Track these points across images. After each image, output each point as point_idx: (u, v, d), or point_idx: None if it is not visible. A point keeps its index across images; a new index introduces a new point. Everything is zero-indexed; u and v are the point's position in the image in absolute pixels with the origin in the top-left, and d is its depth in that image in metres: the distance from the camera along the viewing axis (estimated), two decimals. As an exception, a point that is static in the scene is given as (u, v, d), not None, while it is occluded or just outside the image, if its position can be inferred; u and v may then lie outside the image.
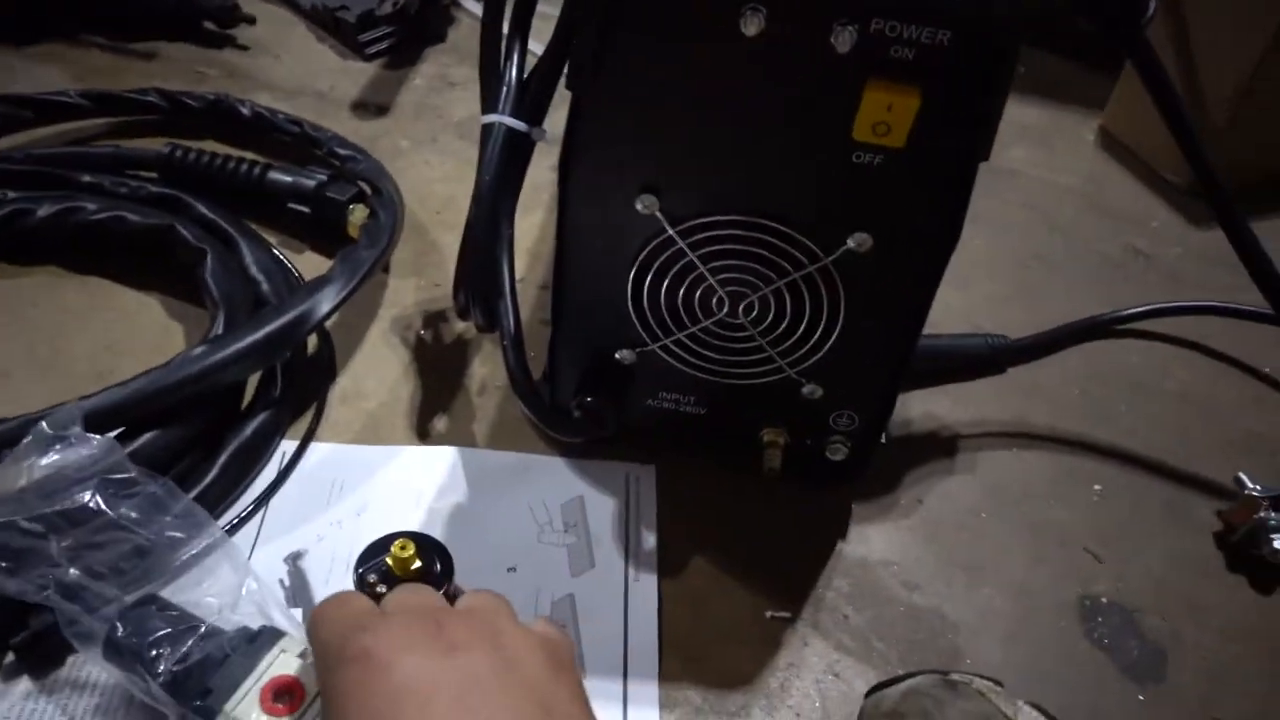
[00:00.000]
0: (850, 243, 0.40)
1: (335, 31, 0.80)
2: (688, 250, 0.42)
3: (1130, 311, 0.63)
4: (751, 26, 0.35)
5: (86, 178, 0.60)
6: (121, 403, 0.44)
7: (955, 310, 0.63)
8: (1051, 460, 0.56)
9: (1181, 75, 0.74)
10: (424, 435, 0.53)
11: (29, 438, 0.40)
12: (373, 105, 0.75)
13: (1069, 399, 0.59)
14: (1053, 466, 0.55)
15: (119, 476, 0.39)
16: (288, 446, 0.51)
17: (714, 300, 0.44)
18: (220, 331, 0.51)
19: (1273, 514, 0.50)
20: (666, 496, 0.50)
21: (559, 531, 0.49)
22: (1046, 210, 0.73)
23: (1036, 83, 0.85)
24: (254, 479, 0.49)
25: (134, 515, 0.38)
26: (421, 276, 0.61)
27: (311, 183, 0.61)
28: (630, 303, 0.45)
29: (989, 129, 0.37)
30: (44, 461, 0.38)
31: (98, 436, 0.40)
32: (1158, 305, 0.64)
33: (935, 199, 0.39)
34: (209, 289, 0.53)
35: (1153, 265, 0.69)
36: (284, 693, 0.38)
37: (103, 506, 0.38)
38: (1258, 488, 0.51)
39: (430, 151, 0.71)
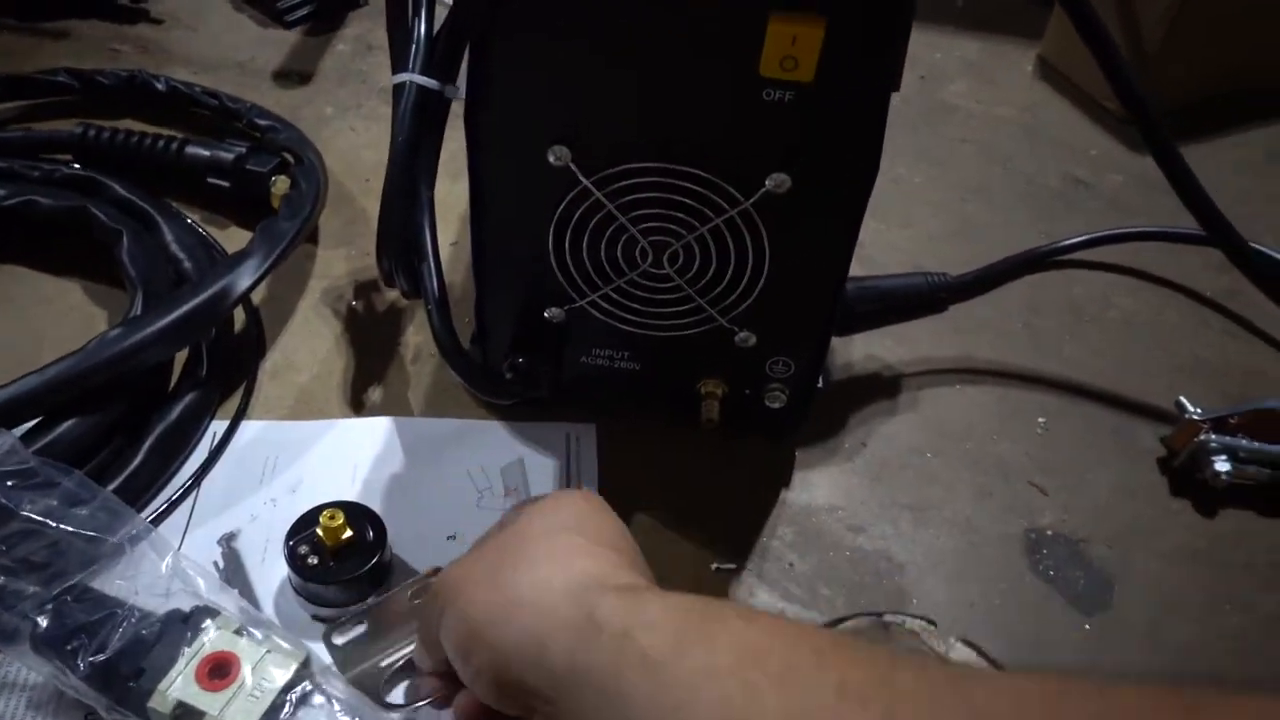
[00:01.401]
0: (768, 184, 0.39)
1: (253, 1, 0.77)
2: (605, 201, 0.41)
3: (1070, 242, 0.63)
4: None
5: (-3, 163, 0.58)
6: (34, 391, 0.43)
7: (898, 248, 0.63)
8: (996, 395, 0.55)
9: (1117, 5, 0.73)
10: (358, 407, 0.52)
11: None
12: (295, 74, 0.73)
13: (1012, 333, 0.59)
14: (997, 402, 0.55)
15: (19, 468, 0.38)
16: (218, 427, 0.50)
17: (637, 251, 0.43)
18: (139, 312, 0.49)
19: (1213, 437, 0.50)
20: (608, 455, 0.50)
21: (499, 496, 0.48)
22: (987, 143, 0.73)
23: (975, 16, 0.84)
24: (184, 461, 0.48)
25: (41, 510, 0.37)
26: (351, 245, 0.60)
27: (230, 155, 0.59)
28: (553, 259, 0.44)
29: (897, 58, 0.36)
30: (-63, 457, 0.37)
31: (-2, 431, 0.39)
32: (1097, 234, 0.63)
33: (850, 134, 0.38)
34: (126, 270, 0.52)
35: (1093, 193, 0.69)
36: (220, 668, 0.37)
37: (3, 502, 0.37)
38: (1198, 411, 0.51)
39: (356, 118, 0.69)
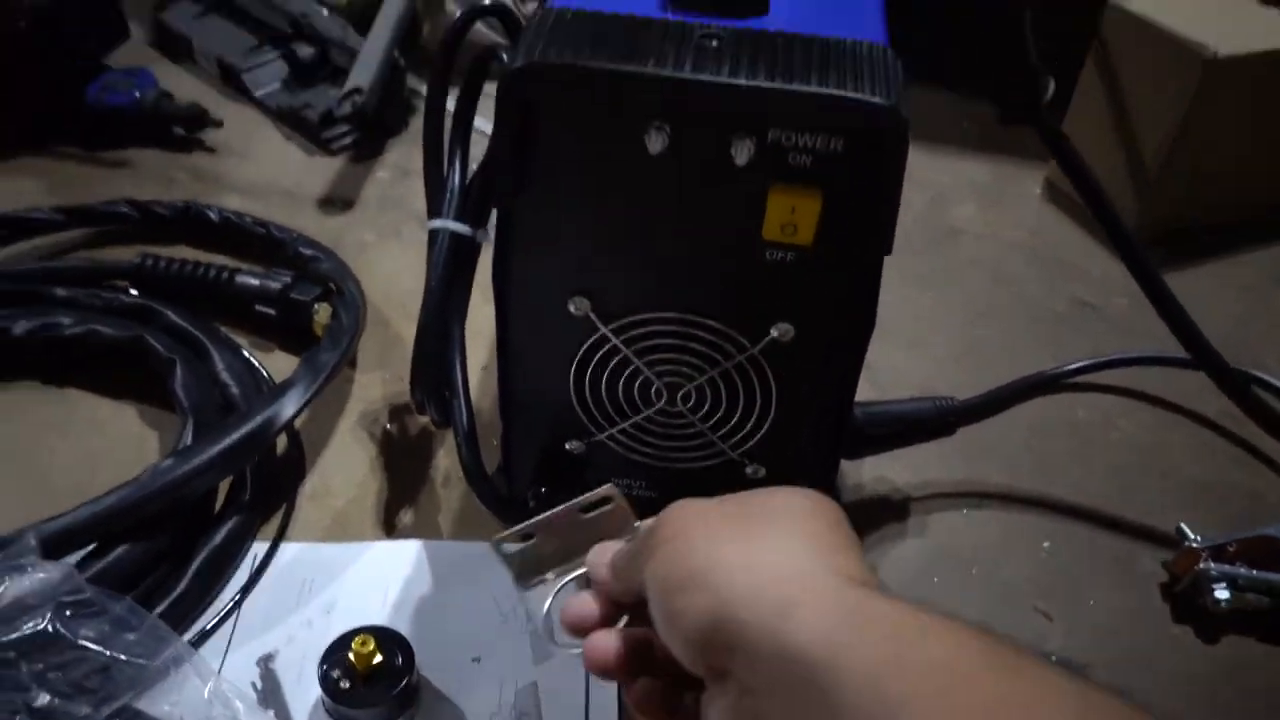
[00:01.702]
0: (773, 333, 0.42)
1: (301, 129, 0.83)
2: (622, 347, 0.44)
3: (1074, 366, 0.65)
4: (656, 144, 0.37)
5: (61, 292, 0.63)
6: (90, 521, 0.46)
7: (906, 372, 0.65)
8: (1001, 519, 0.57)
9: (1116, 129, 0.77)
10: (390, 529, 0.54)
11: (-9, 568, 0.42)
12: (339, 200, 0.77)
13: (1018, 456, 0.61)
14: (1002, 525, 0.57)
15: (76, 599, 0.41)
16: (259, 549, 0.52)
17: (652, 391, 0.46)
18: (189, 442, 0.52)
19: (1212, 565, 0.51)
20: (626, 577, 0.52)
21: (521, 619, 0.50)
22: (995, 266, 0.76)
23: (984, 140, 0.87)
24: (226, 583, 0.51)
25: (95, 636, 0.40)
26: (387, 370, 0.63)
27: (277, 285, 0.63)
28: (574, 397, 0.47)
29: (888, 224, 0.39)
30: (1, 590, 0.40)
31: (54, 563, 0.42)
32: (1101, 359, 0.65)
33: (847, 291, 0.41)
34: (179, 399, 0.55)
35: (1099, 316, 0.71)
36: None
37: (61, 630, 0.40)
38: (1198, 539, 0.53)
39: (395, 244, 0.73)
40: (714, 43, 0.37)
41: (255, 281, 0.64)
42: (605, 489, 0.39)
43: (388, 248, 0.73)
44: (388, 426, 0.60)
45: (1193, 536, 0.53)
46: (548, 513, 0.40)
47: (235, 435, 0.50)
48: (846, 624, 0.26)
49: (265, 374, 0.61)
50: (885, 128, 0.36)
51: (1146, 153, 0.75)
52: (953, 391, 0.63)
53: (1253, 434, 0.62)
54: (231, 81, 0.87)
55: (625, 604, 0.36)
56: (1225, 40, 0.70)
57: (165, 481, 0.48)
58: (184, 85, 0.88)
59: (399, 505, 0.55)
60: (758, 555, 0.29)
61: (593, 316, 0.43)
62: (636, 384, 0.46)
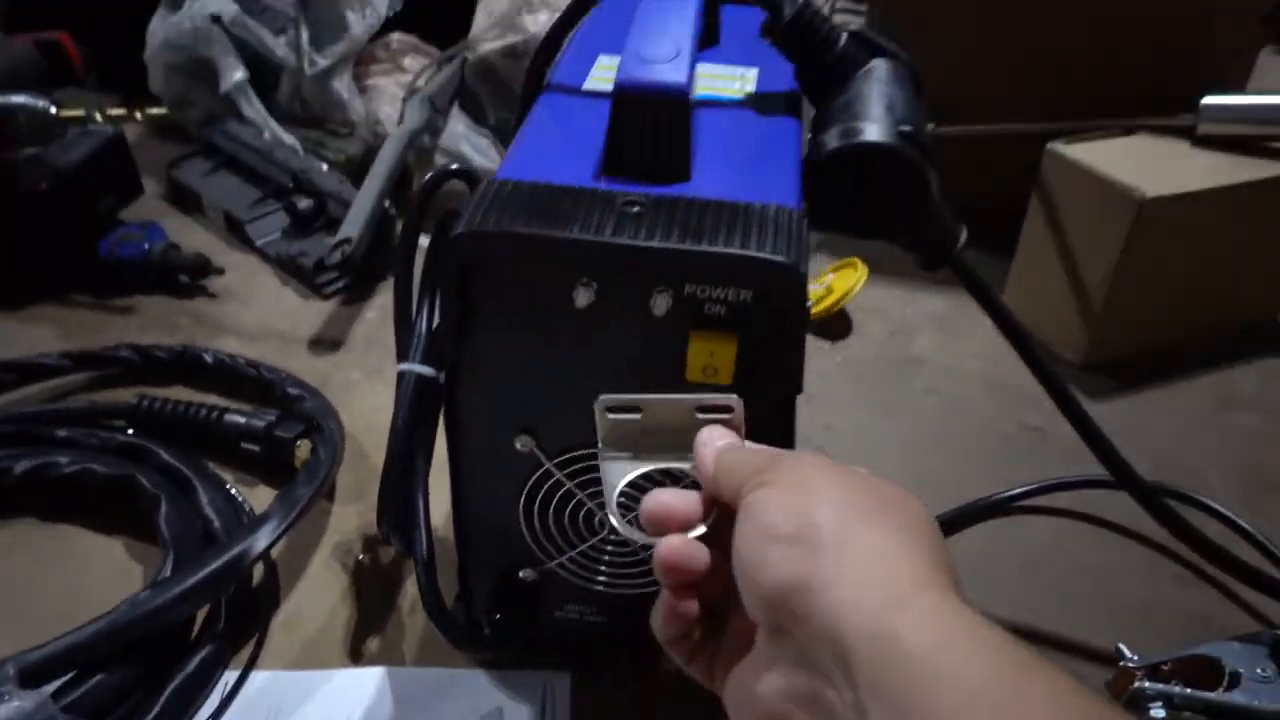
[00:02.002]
0: (703, 466, 0.46)
1: (297, 275, 0.88)
2: (565, 480, 0.48)
3: (1022, 489, 0.68)
4: (583, 299, 0.41)
5: (61, 432, 0.67)
6: (69, 650, 0.49)
7: (862, 498, 0.68)
8: (950, 640, 0.59)
9: (1062, 264, 0.81)
10: (357, 656, 0.57)
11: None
12: (329, 341, 0.82)
13: (967, 579, 0.62)
14: (951, 647, 0.59)
15: (50, 728, 0.43)
16: (229, 676, 0.55)
17: (597, 520, 0.49)
18: (168, 574, 0.56)
19: (1148, 684, 0.53)
20: (582, 703, 0.54)
21: None
22: (950, 393, 0.79)
23: (943, 274, 0.91)
24: (197, 711, 0.53)
25: (64, 762, 0.42)
26: (363, 502, 0.67)
27: (261, 424, 0.67)
28: (524, 527, 0.50)
29: (796, 366, 0.42)
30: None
31: (30, 691, 0.45)
32: (1048, 482, 0.68)
33: (767, 425, 0.44)
34: (162, 534, 0.59)
35: (1047, 440, 0.74)
36: None
37: (34, 759, 0.42)
38: (1135, 658, 0.54)
39: (379, 381, 0.78)
40: (635, 209, 0.42)
41: (242, 420, 0.68)
42: (730, 397, 0.38)
43: (373, 385, 0.77)
44: (360, 556, 0.63)
45: (1130, 656, 0.55)
46: (663, 395, 0.39)
47: (210, 568, 0.54)
48: (958, 636, 0.26)
49: (248, 507, 0.65)
50: (785, 283, 0.40)
51: (1091, 287, 0.79)
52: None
53: (1198, 556, 0.64)
54: (236, 232, 0.93)
55: (705, 505, 0.35)
56: (1156, 183, 0.75)
57: (142, 612, 0.51)
58: (192, 235, 0.95)
59: (366, 633, 0.58)
60: (884, 546, 0.29)
61: (537, 452, 0.47)
62: (581, 514, 0.49)
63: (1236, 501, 0.69)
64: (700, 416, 0.39)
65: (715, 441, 0.36)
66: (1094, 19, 0.89)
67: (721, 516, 0.35)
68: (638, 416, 0.39)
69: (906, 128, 0.47)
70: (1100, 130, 0.83)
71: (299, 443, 0.66)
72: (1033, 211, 0.84)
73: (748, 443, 0.38)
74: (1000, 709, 0.24)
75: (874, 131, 0.47)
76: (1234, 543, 0.65)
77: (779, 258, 0.40)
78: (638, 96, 0.44)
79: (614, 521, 0.38)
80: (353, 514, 0.66)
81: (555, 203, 0.42)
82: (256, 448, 0.67)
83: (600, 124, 0.47)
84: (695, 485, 0.37)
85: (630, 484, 0.40)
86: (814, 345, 0.84)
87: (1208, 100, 0.81)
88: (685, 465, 0.38)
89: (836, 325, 0.86)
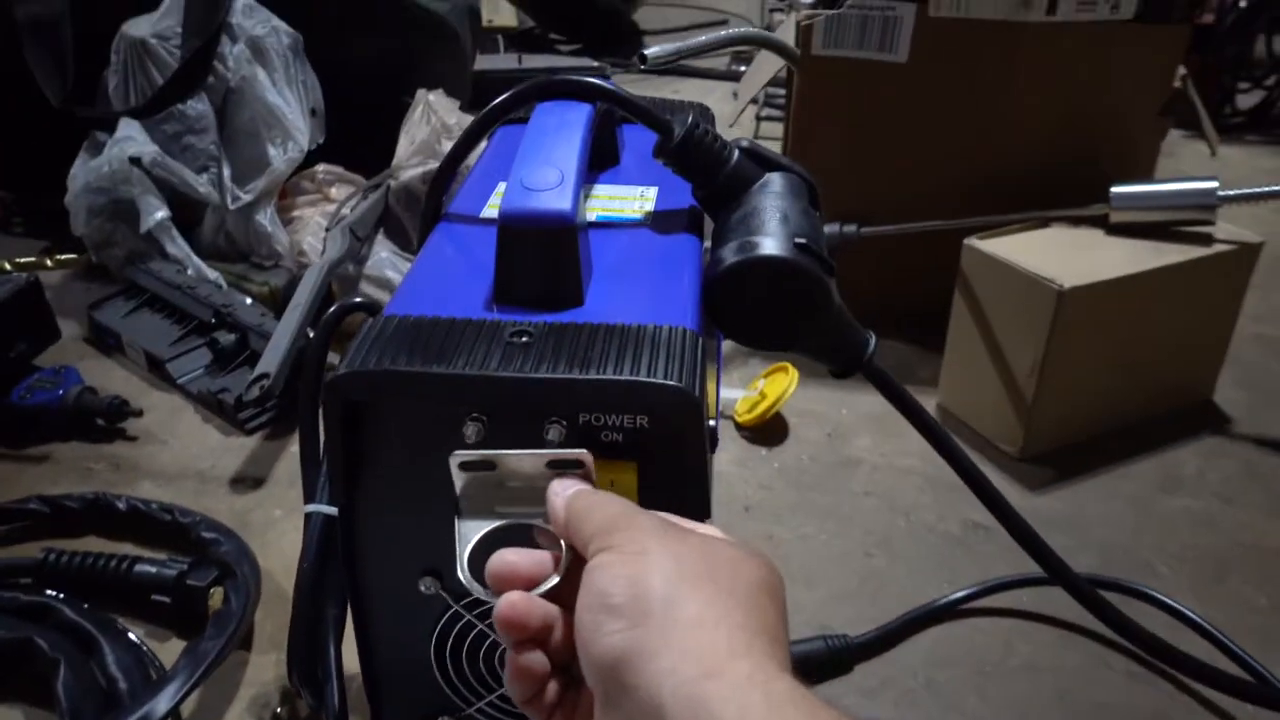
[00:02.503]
0: (615, 599, 0.43)
1: (219, 411, 0.86)
2: (476, 621, 0.45)
3: (966, 592, 0.66)
4: (472, 435, 0.40)
5: (-40, 595, 0.63)
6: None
7: (803, 609, 0.66)
8: (899, 760, 0.57)
9: (991, 357, 0.81)
10: (272, 823, 0.53)
11: None
12: (250, 478, 0.79)
13: (914, 690, 0.61)
14: (900, 767, 0.56)
15: None
16: None
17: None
18: (62, 746, 0.52)
19: (1102, 795, 0.50)
20: None
21: None
22: (890, 494, 0.78)
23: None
24: None
25: None
26: (283, 650, 0.63)
27: (172, 573, 0.64)
28: (437, 672, 0.47)
29: (702, 489, 0.41)
30: None
31: None
32: (991, 583, 0.67)
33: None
34: (59, 701, 0.55)
35: (992, 537, 0.73)
36: None
37: None
38: (1090, 766, 0.52)
39: (301, 519, 0.75)
40: (523, 339, 0.41)
41: (153, 570, 0.65)
42: (580, 451, 0.38)
43: (294, 522, 0.75)
44: (278, 710, 0.59)
45: (1084, 766, 0.53)
46: (517, 451, 0.38)
47: (105, 739, 0.50)
48: (764, 703, 0.27)
49: (159, 664, 0.61)
50: (680, 406, 0.39)
51: (1020, 378, 0.79)
52: (850, 624, 0.64)
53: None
54: (157, 371, 0.92)
55: (556, 559, 0.36)
56: (1074, 273, 0.75)
57: (30, 794, 0.48)
58: (113, 377, 0.92)
59: (282, 796, 0.54)
60: (704, 614, 0.30)
61: (443, 594, 0.45)
62: (497, 654, 0.46)
63: (1186, 590, 0.68)
64: (552, 471, 0.38)
65: (566, 491, 0.36)
66: (1004, 117, 0.91)
67: (576, 570, 0.34)
68: (492, 472, 0.38)
69: (801, 239, 0.47)
70: (1016, 223, 0.85)
71: (212, 591, 0.63)
72: (957, 306, 0.84)
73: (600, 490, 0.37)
74: None
75: (770, 245, 0.46)
76: (1185, 634, 0.63)
77: (671, 382, 0.38)
78: (523, 225, 0.43)
79: (463, 578, 0.37)
80: (271, 663, 0.63)
81: (440, 337, 0.41)
82: (167, 599, 0.64)
83: (492, 253, 0.46)
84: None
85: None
86: (751, 452, 0.83)
87: (1118, 189, 0.83)
88: (539, 519, 0.38)
89: (772, 431, 0.85)
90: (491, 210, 0.54)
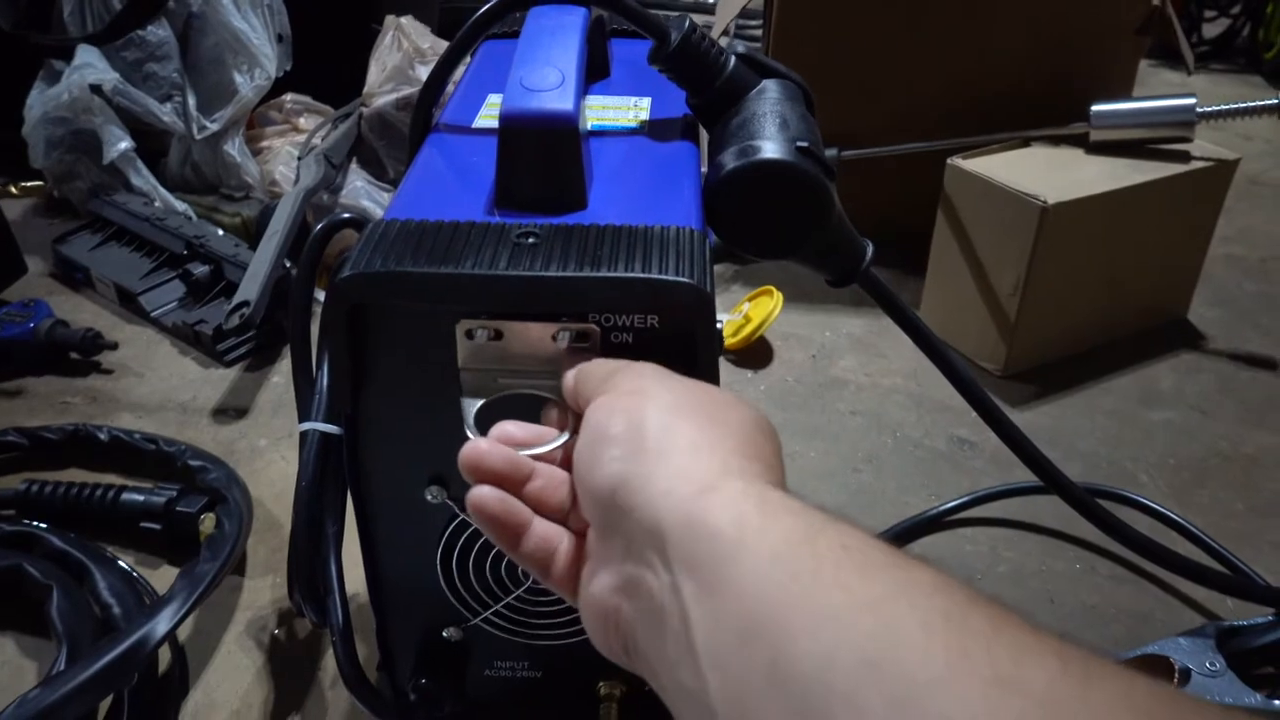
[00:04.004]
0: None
1: (196, 344, 0.85)
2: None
3: (955, 503, 0.67)
4: (480, 338, 0.39)
5: (-58, 527, 0.62)
6: (-51, 764, 0.45)
7: (795, 526, 0.67)
8: (895, 663, 0.57)
9: (973, 276, 0.82)
10: (276, 739, 0.53)
11: None
12: (232, 409, 0.78)
13: (908, 598, 0.62)
14: (897, 669, 0.57)
15: None
16: (136, 775, 0.51)
17: (520, 570, 0.46)
18: (61, 668, 0.51)
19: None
20: (519, 765, 0.51)
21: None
22: (876, 413, 0.78)
23: (859, 294, 0.92)
24: (100, 816, 0.49)
25: None
26: (278, 574, 0.63)
27: (162, 500, 0.64)
28: (443, 583, 0.47)
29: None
30: None
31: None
32: (979, 493, 0.68)
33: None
34: (54, 625, 0.54)
35: (977, 452, 0.74)
36: None
37: None
38: (1082, 662, 0.53)
39: (287, 447, 0.74)
40: (530, 239, 0.40)
41: (140, 498, 0.64)
42: (589, 325, 0.39)
43: (281, 451, 0.74)
44: (275, 632, 0.59)
45: (1077, 662, 0.54)
46: (527, 322, 0.39)
47: (106, 658, 0.50)
48: (759, 511, 0.28)
49: (151, 591, 0.61)
50: (691, 303, 0.38)
51: (1002, 298, 0.80)
52: (839, 540, 0.64)
53: (1134, 553, 0.64)
54: (129, 304, 0.90)
55: (561, 426, 0.37)
56: (1056, 190, 0.76)
57: (34, 711, 0.47)
58: (83, 311, 0.90)
59: (285, 713, 0.54)
60: (699, 440, 0.31)
61: (450, 503, 0.44)
62: (504, 564, 0.46)
63: (1167, 497, 0.69)
64: (560, 345, 0.39)
65: (575, 362, 0.38)
66: (982, 37, 0.91)
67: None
68: (500, 340, 0.39)
69: (803, 143, 0.46)
70: (997, 143, 0.85)
71: (203, 517, 0.63)
72: (939, 227, 0.84)
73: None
74: (794, 566, 0.26)
75: (771, 149, 0.46)
76: (1167, 537, 0.65)
77: (683, 278, 0.38)
78: (525, 126, 0.42)
79: (471, 436, 0.37)
80: (266, 587, 0.62)
81: (446, 239, 0.40)
82: (158, 526, 0.63)
83: (492, 160, 0.45)
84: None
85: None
86: (736, 375, 0.83)
87: (1098, 107, 0.83)
88: (545, 390, 0.39)
89: (757, 354, 0.85)
90: (484, 120, 0.53)
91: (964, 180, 0.81)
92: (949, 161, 0.82)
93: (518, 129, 0.42)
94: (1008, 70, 0.92)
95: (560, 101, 0.43)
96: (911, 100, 0.93)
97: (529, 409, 0.39)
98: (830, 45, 0.93)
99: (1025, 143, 0.85)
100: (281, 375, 0.82)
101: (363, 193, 0.94)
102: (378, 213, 0.93)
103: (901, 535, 0.65)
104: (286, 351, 0.85)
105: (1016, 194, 0.76)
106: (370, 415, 0.43)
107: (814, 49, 0.93)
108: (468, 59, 0.60)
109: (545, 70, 0.44)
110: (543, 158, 0.43)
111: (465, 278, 0.38)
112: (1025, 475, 0.67)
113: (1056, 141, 0.85)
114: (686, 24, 0.49)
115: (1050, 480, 0.56)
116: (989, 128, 0.86)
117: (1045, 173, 0.79)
